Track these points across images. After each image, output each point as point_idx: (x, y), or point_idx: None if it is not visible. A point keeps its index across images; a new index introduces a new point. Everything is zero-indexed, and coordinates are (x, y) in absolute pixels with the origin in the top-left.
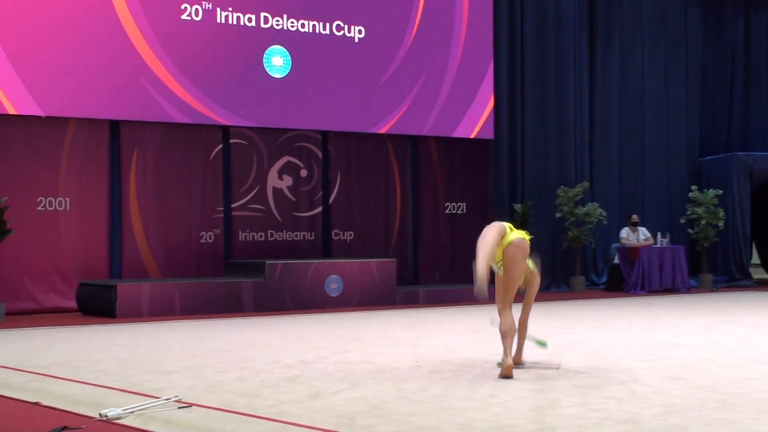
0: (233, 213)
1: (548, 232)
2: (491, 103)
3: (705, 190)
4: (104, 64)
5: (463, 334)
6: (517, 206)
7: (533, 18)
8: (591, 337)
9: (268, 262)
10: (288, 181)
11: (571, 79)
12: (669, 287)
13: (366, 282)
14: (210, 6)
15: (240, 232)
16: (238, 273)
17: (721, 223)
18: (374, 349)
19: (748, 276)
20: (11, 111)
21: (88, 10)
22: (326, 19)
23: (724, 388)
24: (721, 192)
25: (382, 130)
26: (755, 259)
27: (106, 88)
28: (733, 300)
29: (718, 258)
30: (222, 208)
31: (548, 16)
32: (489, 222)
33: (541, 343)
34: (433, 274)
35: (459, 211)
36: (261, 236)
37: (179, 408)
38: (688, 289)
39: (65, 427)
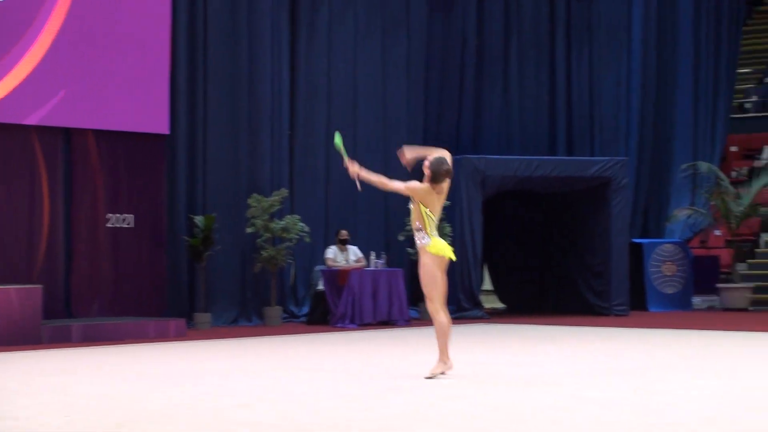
0: None
1: (237, 251)
2: (166, 91)
3: None
4: None
5: (135, 379)
6: (198, 219)
7: None
8: (289, 382)
9: None
10: None
11: (267, 63)
12: (384, 319)
13: (2, 315)
14: None
15: None
16: None
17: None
18: (13, 402)
19: (479, 305)
20: None
21: None
22: None
23: None
24: (448, 203)
25: (27, 121)
26: (487, 284)
27: None
28: (461, 334)
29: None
30: None
31: None
32: (161, 241)
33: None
34: (90, 304)
35: (125, 225)
36: None
37: None
38: (408, 322)
39: None
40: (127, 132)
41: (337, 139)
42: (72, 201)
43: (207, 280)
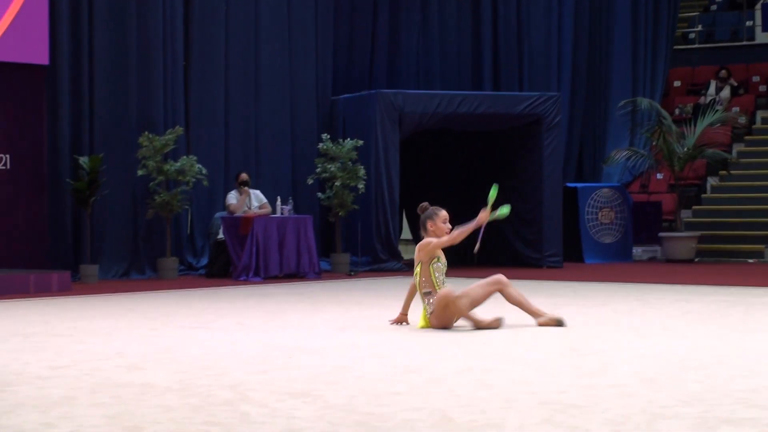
0: None
1: (127, 196)
2: (45, 15)
3: (340, 141)
4: None
5: (12, 339)
6: (84, 160)
7: None
8: (186, 340)
9: None
10: None
11: None
12: (293, 272)
13: None
14: None
15: None
16: None
17: (361, 185)
18: None
19: (397, 256)
20: None
21: None
22: None
23: (364, 407)
24: (361, 143)
25: None
26: (406, 233)
27: None
28: (377, 288)
29: (357, 232)
30: None
31: None
32: (42, 184)
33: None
34: None
35: (0, 166)
36: None
37: None
38: (318, 275)
39: None
40: (1, 62)
41: (493, 193)
42: None
43: (94, 228)
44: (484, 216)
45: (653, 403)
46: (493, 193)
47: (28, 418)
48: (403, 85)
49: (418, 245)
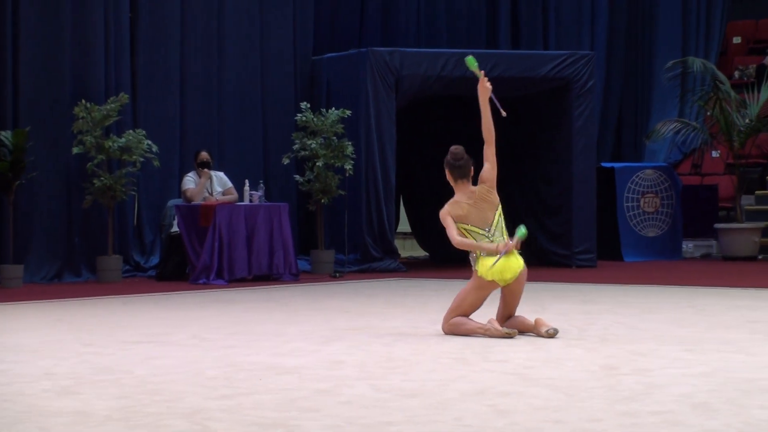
0: None
1: (60, 180)
2: None
3: (323, 111)
4: None
5: None
6: (5, 134)
7: None
8: (130, 358)
9: None
10: None
11: None
12: (264, 273)
13: None
14: None
15: None
16: None
17: (349, 165)
18: None
19: (393, 253)
20: None
21: None
22: None
23: None
24: (349, 113)
25: None
26: (404, 225)
27: None
28: (367, 293)
29: (344, 224)
30: None
31: None
32: None
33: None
34: None
35: None
36: None
37: None
38: (295, 276)
39: None
40: None
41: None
42: None
43: (18, 219)
44: (482, 86)
45: None
46: (472, 62)
47: None
48: (400, 42)
49: (485, 181)
